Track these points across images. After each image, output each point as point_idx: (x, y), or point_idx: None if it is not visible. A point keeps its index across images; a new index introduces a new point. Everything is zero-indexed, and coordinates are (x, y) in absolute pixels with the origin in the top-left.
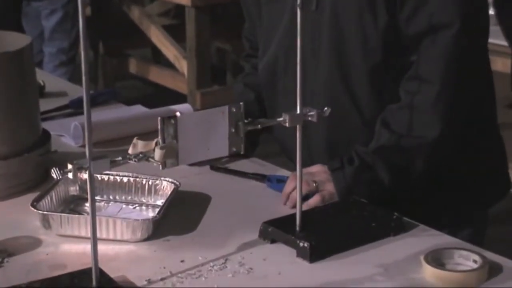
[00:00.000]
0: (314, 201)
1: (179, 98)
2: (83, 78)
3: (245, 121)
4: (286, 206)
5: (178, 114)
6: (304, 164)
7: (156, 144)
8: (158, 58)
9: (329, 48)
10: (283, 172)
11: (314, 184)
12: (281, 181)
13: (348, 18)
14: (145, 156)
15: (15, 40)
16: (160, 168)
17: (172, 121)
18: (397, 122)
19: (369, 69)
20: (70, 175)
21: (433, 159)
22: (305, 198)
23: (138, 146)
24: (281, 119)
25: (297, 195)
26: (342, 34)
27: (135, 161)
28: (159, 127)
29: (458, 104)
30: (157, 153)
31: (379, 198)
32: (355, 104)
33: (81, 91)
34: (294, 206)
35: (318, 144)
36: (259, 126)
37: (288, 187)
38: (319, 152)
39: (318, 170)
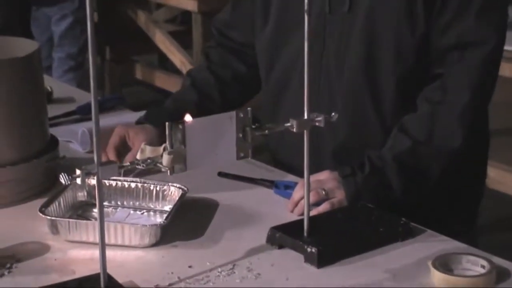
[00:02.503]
0: (323, 208)
1: None
2: (91, 83)
3: (253, 126)
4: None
5: (188, 118)
6: (310, 170)
7: (164, 149)
8: (164, 64)
9: (358, 52)
10: (291, 178)
11: (323, 192)
12: (289, 187)
13: (385, 24)
14: (153, 162)
15: (23, 46)
16: (168, 174)
17: (180, 127)
18: (417, 129)
19: (398, 76)
20: (78, 181)
21: (449, 169)
22: (314, 205)
23: (146, 151)
24: (288, 124)
25: (304, 202)
26: (375, 39)
27: (143, 166)
28: (167, 132)
29: (480, 116)
30: (165, 159)
31: (388, 205)
32: (377, 110)
33: (88, 97)
34: (302, 214)
35: (331, 148)
36: (266, 131)
37: (296, 195)
38: (330, 157)
39: (327, 177)
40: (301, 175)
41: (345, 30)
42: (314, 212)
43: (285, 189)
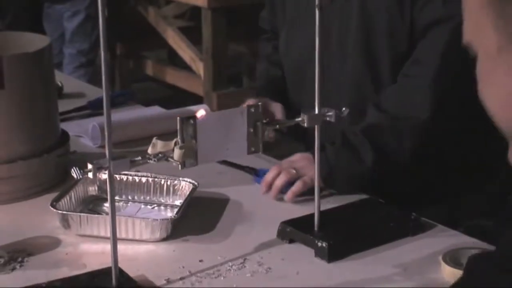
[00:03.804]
0: (296, 187)
1: (195, 99)
2: (103, 78)
3: (264, 121)
4: (304, 204)
5: (202, 112)
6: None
7: (175, 144)
8: (174, 60)
9: (356, 39)
10: None
11: (293, 171)
12: (265, 174)
13: (378, 9)
14: (164, 156)
15: (34, 41)
16: (179, 168)
17: (191, 121)
18: (388, 102)
19: (393, 60)
20: (90, 175)
21: (422, 142)
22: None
23: (157, 146)
24: (299, 119)
25: (315, 198)
26: (370, 25)
27: (154, 161)
28: (178, 127)
29: (451, 89)
30: (176, 153)
31: (361, 180)
32: (379, 94)
33: (99, 92)
34: (276, 197)
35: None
36: (277, 126)
37: (269, 175)
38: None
39: (297, 157)
40: None
41: (344, 19)
42: (289, 194)
43: (263, 176)
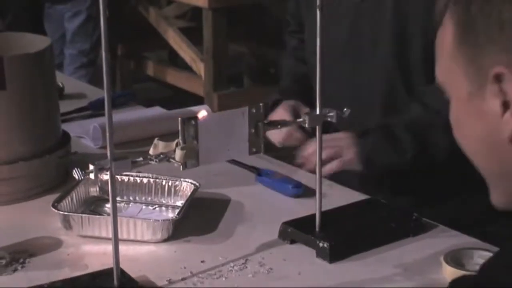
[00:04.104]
0: (333, 165)
1: (196, 100)
2: (105, 79)
3: (265, 121)
4: (306, 205)
5: (204, 113)
6: None
7: (177, 145)
8: (175, 60)
9: (390, 37)
10: (302, 175)
11: (335, 149)
12: (269, 174)
13: (412, 5)
14: (166, 157)
15: (35, 42)
16: (181, 169)
17: (193, 122)
18: (430, 98)
19: (426, 56)
20: (91, 176)
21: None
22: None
23: (159, 146)
24: (300, 120)
25: (316, 196)
26: (403, 23)
27: (156, 161)
28: (179, 128)
29: None
30: (178, 154)
31: (397, 171)
32: (409, 93)
33: (100, 93)
34: (313, 171)
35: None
36: (279, 126)
37: (310, 148)
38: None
39: (342, 136)
40: None
41: (376, 17)
42: (326, 169)
43: (266, 177)
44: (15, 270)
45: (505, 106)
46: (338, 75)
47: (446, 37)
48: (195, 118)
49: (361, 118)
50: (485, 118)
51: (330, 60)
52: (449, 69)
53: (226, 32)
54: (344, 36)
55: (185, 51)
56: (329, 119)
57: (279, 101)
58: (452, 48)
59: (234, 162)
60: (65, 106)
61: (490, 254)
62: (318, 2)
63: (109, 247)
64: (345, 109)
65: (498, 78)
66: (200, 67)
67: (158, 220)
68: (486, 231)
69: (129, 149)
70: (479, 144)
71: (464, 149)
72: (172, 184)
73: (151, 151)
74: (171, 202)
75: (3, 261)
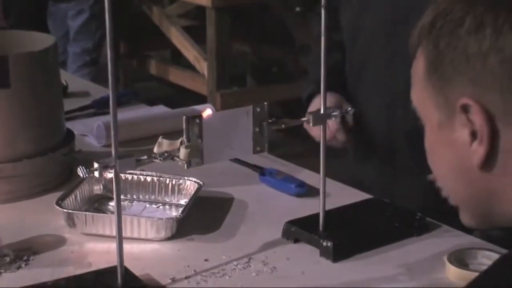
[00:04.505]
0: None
1: (199, 99)
2: (110, 77)
3: (269, 120)
4: (309, 204)
5: (209, 112)
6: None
7: (181, 143)
8: (178, 59)
9: None
10: (306, 174)
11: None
12: (271, 174)
13: None
14: (170, 155)
15: (40, 40)
16: (185, 167)
17: (197, 121)
18: None
19: None
20: (96, 174)
21: None
22: None
23: (163, 145)
24: (304, 118)
25: (320, 197)
26: None
27: (160, 160)
28: (184, 126)
29: None
30: (182, 152)
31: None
32: None
33: (103, 92)
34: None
35: (403, 130)
36: (283, 125)
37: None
38: (403, 138)
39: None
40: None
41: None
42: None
43: (270, 176)
44: (19, 267)
45: (473, 135)
46: (373, 66)
47: (418, 68)
48: (200, 116)
49: (400, 117)
50: (455, 146)
51: (369, 52)
52: (422, 98)
53: (229, 31)
54: (383, 21)
55: (188, 50)
56: (333, 119)
57: (315, 93)
58: (423, 79)
59: (238, 161)
60: (68, 105)
61: (494, 254)
62: (322, 2)
63: (112, 245)
64: (348, 108)
65: (465, 109)
66: (203, 66)
67: (162, 219)
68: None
69: (133, 147)
70: (449, 170)
71: (435, 174)
72: (175, 182)
73: (155, 149)
74: (174, 201)
75: (7, 259)
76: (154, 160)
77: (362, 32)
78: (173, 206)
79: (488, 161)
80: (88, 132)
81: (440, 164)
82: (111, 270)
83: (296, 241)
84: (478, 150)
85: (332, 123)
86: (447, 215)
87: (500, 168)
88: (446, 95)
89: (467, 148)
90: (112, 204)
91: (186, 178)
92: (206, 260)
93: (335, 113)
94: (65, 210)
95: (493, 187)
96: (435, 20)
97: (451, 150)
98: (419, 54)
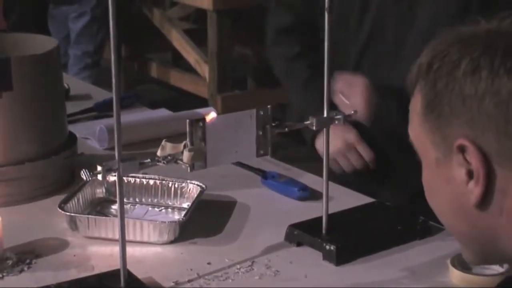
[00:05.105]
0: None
1: (200, 102)
2: (113, 80)
3: (273, 124)
4: (312, 208)
5: (213, 115)
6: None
7: (185, 146)
8: (178, 62)
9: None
10: (309, 177)
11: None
12: (274, 177)
13: None
14: (174, 159)
15: (42, 43)
16: (188, 171)
17: (201, 124)
18: None
19: None
20: (99, 177)
21: None
22: None
23: (166, 148)
24: (308, 122)
25: (323, 199)
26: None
27: (163, 163)
28: (187, 129)
29: None
30: (186, 156)
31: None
32: None
33: (105, 94)
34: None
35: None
36: (286, 129)
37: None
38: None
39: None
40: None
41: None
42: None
43: (272, 179)
44: (21, 270)
45: (469, 175)
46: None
47: (416, 106)
48: (203, 120)
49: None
50: (452, 184)
51: (374, 34)
52: (419, 135)
53: (230, 34)
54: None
55: (189, 53)
56: (336, 122)
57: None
58: (420, 117)
59: (240, 164)
60: (70, 107)
61: None
62: (326, 5)
63: (115, 249)
64: (352, 111)
65: (462, 149)
66: (204, 69)
67: (165, 222)
68: None
69: (136, 150)
70: (448, 207)
71: (435, 210)
72: (178, 186)
73: (158, 153)
74: (177, 204)
75: (10, 262)
76: (158, 163)
77: (367, 17)
78: (175, 210)
79: (485, 201)
80: (90, 135)
81: (438, 200)
82: (114, 274)
83: (299, 244)
84: (474, 190)
85: (349, 136)
86: None
87: (496, 207)
88: (443, 134)
89: (464, 187)
90: (115, 207)
91: (188, 181)
92: (209, 263)
93: (338, 116)
94: (67, 213)
95: (491, 226)
96: (432, 61)
97: (448, 187)
98: (417, 92)
